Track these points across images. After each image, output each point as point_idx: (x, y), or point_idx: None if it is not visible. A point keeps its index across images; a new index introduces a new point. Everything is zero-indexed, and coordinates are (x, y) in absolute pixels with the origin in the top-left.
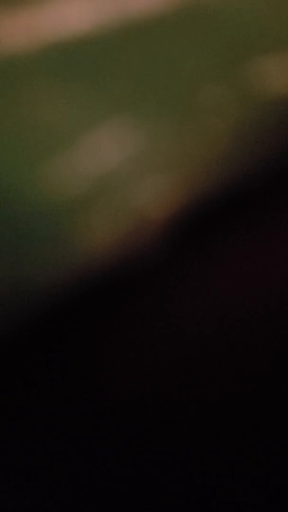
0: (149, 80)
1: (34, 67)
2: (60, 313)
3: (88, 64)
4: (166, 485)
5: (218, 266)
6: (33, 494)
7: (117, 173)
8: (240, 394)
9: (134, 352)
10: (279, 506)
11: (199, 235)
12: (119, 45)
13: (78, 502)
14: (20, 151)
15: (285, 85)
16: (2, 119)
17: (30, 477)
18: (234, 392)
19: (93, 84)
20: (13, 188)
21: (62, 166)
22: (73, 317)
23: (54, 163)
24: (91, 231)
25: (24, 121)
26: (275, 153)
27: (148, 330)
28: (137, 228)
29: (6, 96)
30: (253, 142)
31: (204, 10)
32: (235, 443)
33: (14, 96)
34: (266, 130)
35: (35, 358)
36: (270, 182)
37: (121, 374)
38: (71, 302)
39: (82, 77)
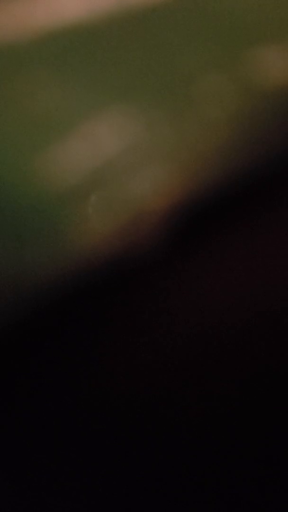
0: (147, 70)
1: (31, 57)
2: (56, 307)
3: (86, 53)
4: (166, 485)
5: (217, 260)
6: (33, 494)
7: (115, 164)
8: (240, 391)
9: (132, 348)
10: (279, 506)
11: (198, 227)
12: (117, 34)
13: (78, 502)
14: (16, 142)
15: (285, 75)
16: None
17: (29, 477)
18: (234, 388)
19: (91, 74)
20: (8, 179)
21: (58, 157)
22: (70, 311)
23: (50, 154)
24: (88, 223)
25: (20, 111)
26: (275, 143)
27: (146, 325)
28: (135, 220)
29: (1, 86)
30: (253, 132)
31: None
32: (236, 441)
33: (10, 86)
34: (266, 120)
35: (32, 354)
36: (271, 175)
37: (119, 371)
38: (68, 296)
39: (79, 67)
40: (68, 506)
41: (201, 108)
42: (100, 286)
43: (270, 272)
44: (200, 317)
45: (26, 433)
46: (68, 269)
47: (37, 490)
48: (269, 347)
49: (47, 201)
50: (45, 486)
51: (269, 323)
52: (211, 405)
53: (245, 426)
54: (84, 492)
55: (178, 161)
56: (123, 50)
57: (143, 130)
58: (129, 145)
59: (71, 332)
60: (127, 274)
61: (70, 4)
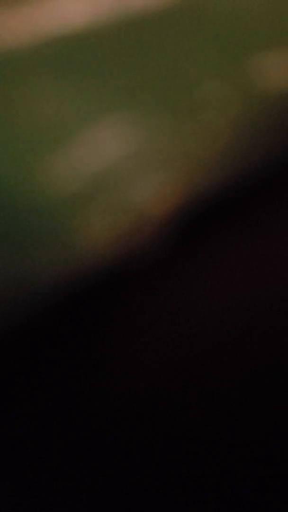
0: (149, 76)
1: (33, 63)
2: (58, 310)
3: (87, 60)
4: (166, 485)
5: (217, 263)
6: (33, 494)
7: (116, 170)
8: (240, 391)
9: (132, 348)
10: (279, 506)
11: (198, 232)
12: (118, 41)
13: (78, 502)
14: (19, 148)
15: (285, 82)
16: (0, 115)
17: (29, 477)
18: (234, 388)
19: (92, 80)
20: (12, 185)
21: (61, 163)
22: (71, 314)
23: (53, 160)
24: (90, 228)
25: (22, 117)
26: (276, 149)
27: (147, 327)
28: (136, 225)
29: (4, 92)
30: (253, 138)
31: (205, 5)
32: (236, 441)
33: (12, 92)
34: (267, 126)
35: (32, 354)
36: (271, 180)
37: (119, 371)
38: (70, 299)
39: (81, 73)
40: (68, 506)
41: (202, 115)
42: (101, 287)
43: (270, 272)
44: (200, 317)
45: (26, 433)
46: (69, 270)
47: (37, 490)
48: (269, 347)
49: (50, 205)
50: (45, 486)
51: (269, 323)
52: (211, 405)
53: (245, 426)
54: (84, 492)
55: (178, 167)
56: (124, 57)
57: (145, 137)
58: (131, 151)
59: (71, 332)
60: (128, 274)
61: (72, 10)
